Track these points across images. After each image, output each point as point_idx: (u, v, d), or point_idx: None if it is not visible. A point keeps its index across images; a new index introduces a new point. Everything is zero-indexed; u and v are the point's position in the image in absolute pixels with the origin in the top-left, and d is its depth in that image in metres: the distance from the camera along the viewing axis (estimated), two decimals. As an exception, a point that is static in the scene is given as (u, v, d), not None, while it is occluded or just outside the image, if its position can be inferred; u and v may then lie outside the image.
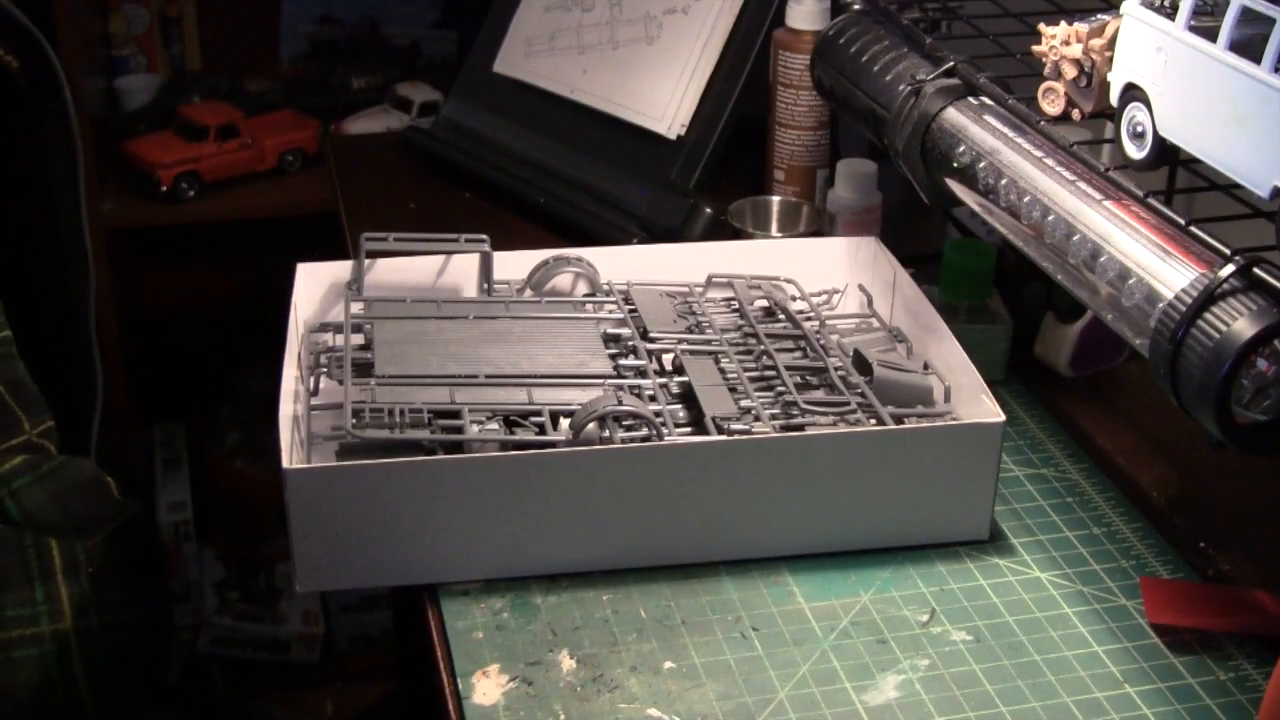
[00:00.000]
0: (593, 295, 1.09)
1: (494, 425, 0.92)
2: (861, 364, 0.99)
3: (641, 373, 0.99)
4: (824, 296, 1.12)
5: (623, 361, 1.00)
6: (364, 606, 2.17)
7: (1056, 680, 0.83)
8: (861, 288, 1.11)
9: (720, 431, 0.91)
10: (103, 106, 2.03)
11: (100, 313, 1.83)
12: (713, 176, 1.34)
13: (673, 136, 1.32)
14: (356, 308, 1.04)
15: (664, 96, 1.33)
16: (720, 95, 1.32)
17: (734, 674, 0.82)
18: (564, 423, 0.92)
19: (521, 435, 0.91)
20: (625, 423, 0.90)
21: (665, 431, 0.90)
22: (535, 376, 0.96)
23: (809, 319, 1.08)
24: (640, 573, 0.90)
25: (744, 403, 0.95)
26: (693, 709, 0.80)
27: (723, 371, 0.99)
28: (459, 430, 0.91)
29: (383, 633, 2.18)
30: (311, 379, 0.99)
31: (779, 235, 1.24)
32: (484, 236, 1.07)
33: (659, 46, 1.35)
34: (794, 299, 1.11)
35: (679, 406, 0.96)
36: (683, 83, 1.32)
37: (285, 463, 0.85)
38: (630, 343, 1.02)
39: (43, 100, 1.29)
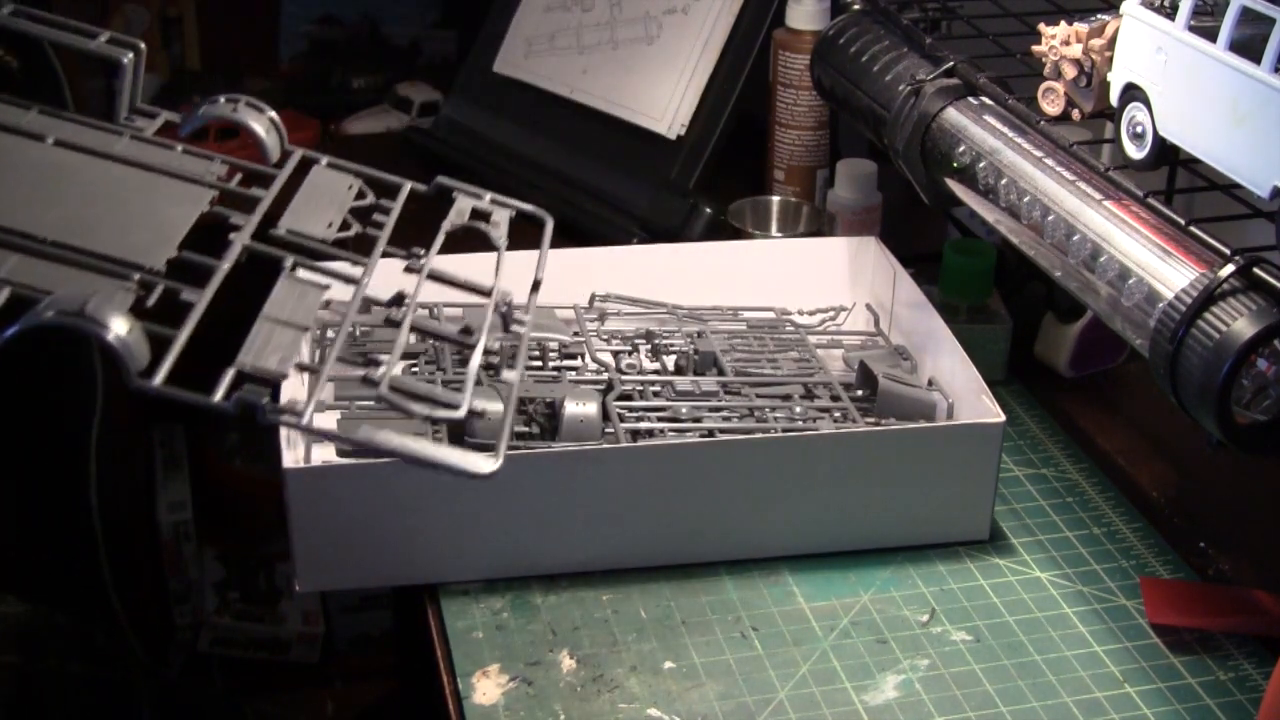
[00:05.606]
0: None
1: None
2: (866, 378, 0.99)
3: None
4: (829, 314, 1.12)
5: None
6: (364, 606, 2.17)
7: (1056, 680, 0.83)
8: (869, 307, 1.11)
9: (721, 431, 0.91)
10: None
11: (100, 313, 1.82)
12: (713, 176, 1.34)
13: (673, 136, 1.32)
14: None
15: (664, 96, 1.33)
16: (720, 95, 1.32)
17: (734, 674, 0.82)
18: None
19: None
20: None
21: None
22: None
23: (812, 333, 1.08)
24: (640, 573, 0.90)
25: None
26: (693, 709, 0.80)
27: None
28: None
29: (383, 633, 2.18)
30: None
31: (779, 235, 1.24)
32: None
33: (659, 46, 1.35)
34: (800, 313, 1.11)
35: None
36: (683, 83, 1.32)
37: (285, 462, 0.85)
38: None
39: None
